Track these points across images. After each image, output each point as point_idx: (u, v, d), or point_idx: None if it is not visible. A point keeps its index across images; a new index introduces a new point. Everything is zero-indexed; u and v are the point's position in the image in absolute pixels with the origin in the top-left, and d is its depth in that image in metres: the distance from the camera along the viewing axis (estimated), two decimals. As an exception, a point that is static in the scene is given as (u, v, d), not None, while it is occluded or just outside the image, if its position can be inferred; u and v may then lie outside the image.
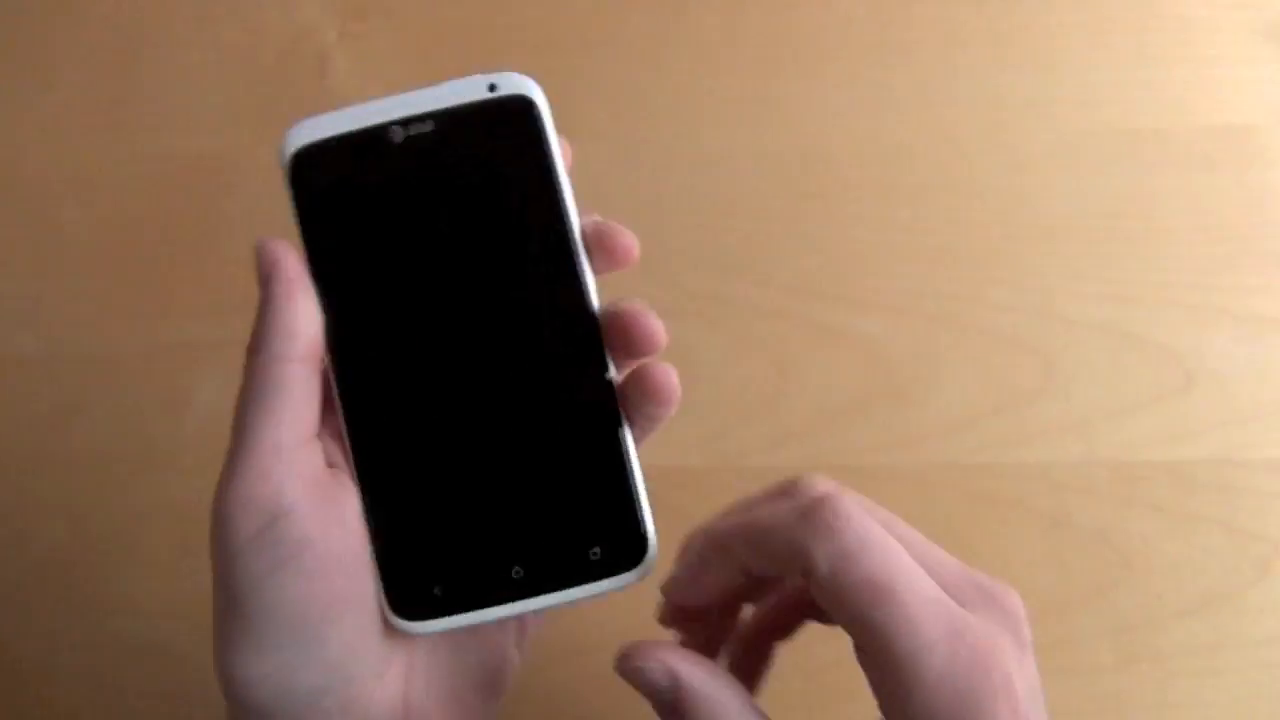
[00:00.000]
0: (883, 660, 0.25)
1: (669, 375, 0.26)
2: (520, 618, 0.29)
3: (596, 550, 0.26)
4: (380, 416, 0.27)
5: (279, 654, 0.26)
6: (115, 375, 0.45)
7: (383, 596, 0.26)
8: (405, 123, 0.27)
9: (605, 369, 0.27)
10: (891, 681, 0.25)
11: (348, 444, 0.27)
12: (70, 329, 0.46)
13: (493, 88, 0.27)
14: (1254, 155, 0.46)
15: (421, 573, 0.26)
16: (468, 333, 0.27)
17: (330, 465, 0.27)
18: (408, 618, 0.26)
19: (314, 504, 0.26)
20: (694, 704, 0.26)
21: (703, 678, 0.27)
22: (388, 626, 0.27)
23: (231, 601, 0.26)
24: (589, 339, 0.27)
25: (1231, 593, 0.40)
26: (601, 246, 0.27)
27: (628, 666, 0.27)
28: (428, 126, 0.27)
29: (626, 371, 0.27)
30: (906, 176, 0.46)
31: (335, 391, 0.27)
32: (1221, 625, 0.40)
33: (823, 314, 0.44)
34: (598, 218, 0.28)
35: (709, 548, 0.29)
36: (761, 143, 0.48)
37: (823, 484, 0.29)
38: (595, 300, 0.27)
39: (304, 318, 0.26)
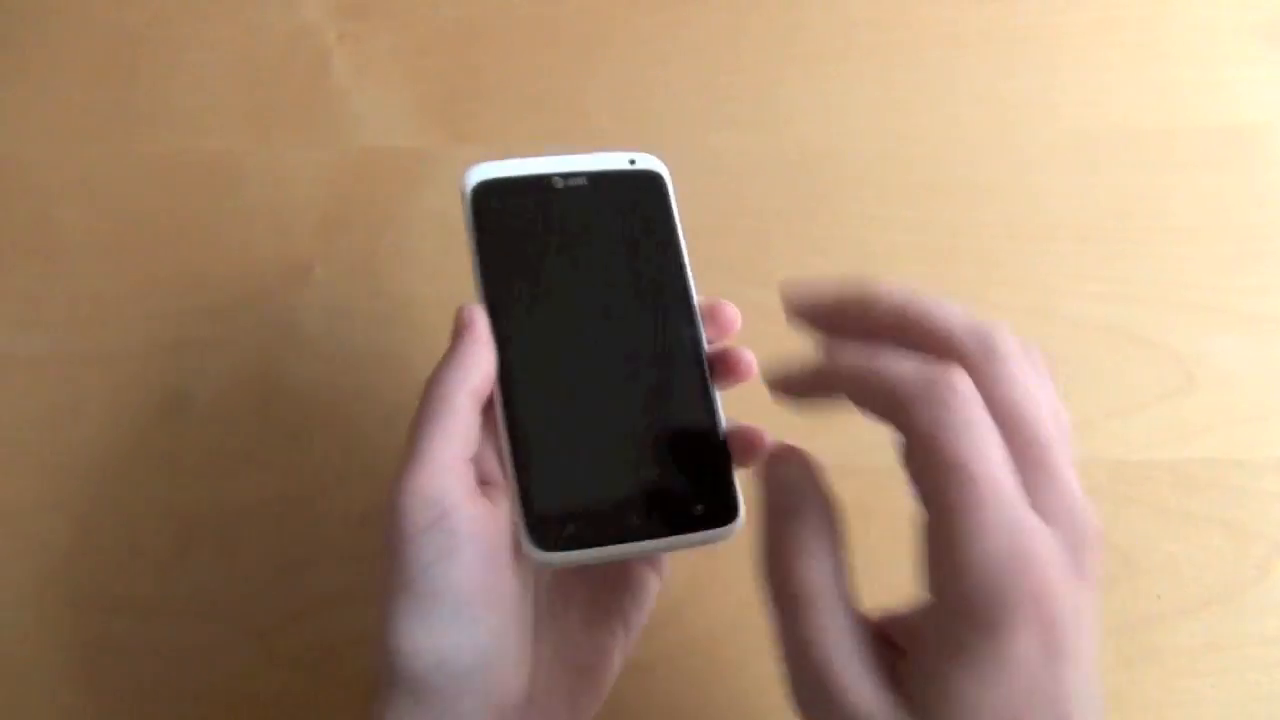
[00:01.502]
0: (937, 534, 0.27)
1: (746, 353, 0.34)
2: (630, 599, 0.35)
3: (700, 507, 0.32)
4: (532, 400, 0.32)
5: (441, 631, 0.30)
6: (115, 375, 0.45)
7: (525, 530, 0.31)
8: (565, 176, 0.35)
9: (707, 376, 0.34)
10: (938, 554, 0.27)
11: (502, 419, 0.32)
12: (70, 329, 0.46)
13: (632, 161, 0.36)
14: (1256, 155, 0.46)
15: (560, 514, 0.31)
16: (606, 342, 0.33)
17: (483, 482, 0.32)
18: (544, 548, 0.31)
19: (474, 508, 0.30)
20: (801, 516, 0.30)
21: (823, 498, 0.30)
22: (520, 558, 0.32)
23: (403, 582, 0.30)
24: (697, 356, 0.34)
25: (1231, 593, 0.40)
26: (712, 317, 0.34)
27: (769, 460, 0.31)
28: (583, 181, 0.35)
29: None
30: (909, 176, 0.46)
31: (496, 376, 0.32)
32: (1221, 625, 0.40)
33: (823, 314, 0.44)
34: (707, 297, 0.35)
35: (829, 365, 0.31)
36: (763, 143, 0.48)
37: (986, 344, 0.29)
38: (701, 328, 0.35)
39: (482, 366, 0.32)
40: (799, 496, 0.30)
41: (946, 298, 0.30)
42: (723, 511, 0.32)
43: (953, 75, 0.48)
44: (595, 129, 0.48)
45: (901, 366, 0.28)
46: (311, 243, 0.46)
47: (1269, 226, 0.45)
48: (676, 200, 0.36)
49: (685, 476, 0.32)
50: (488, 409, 0.32)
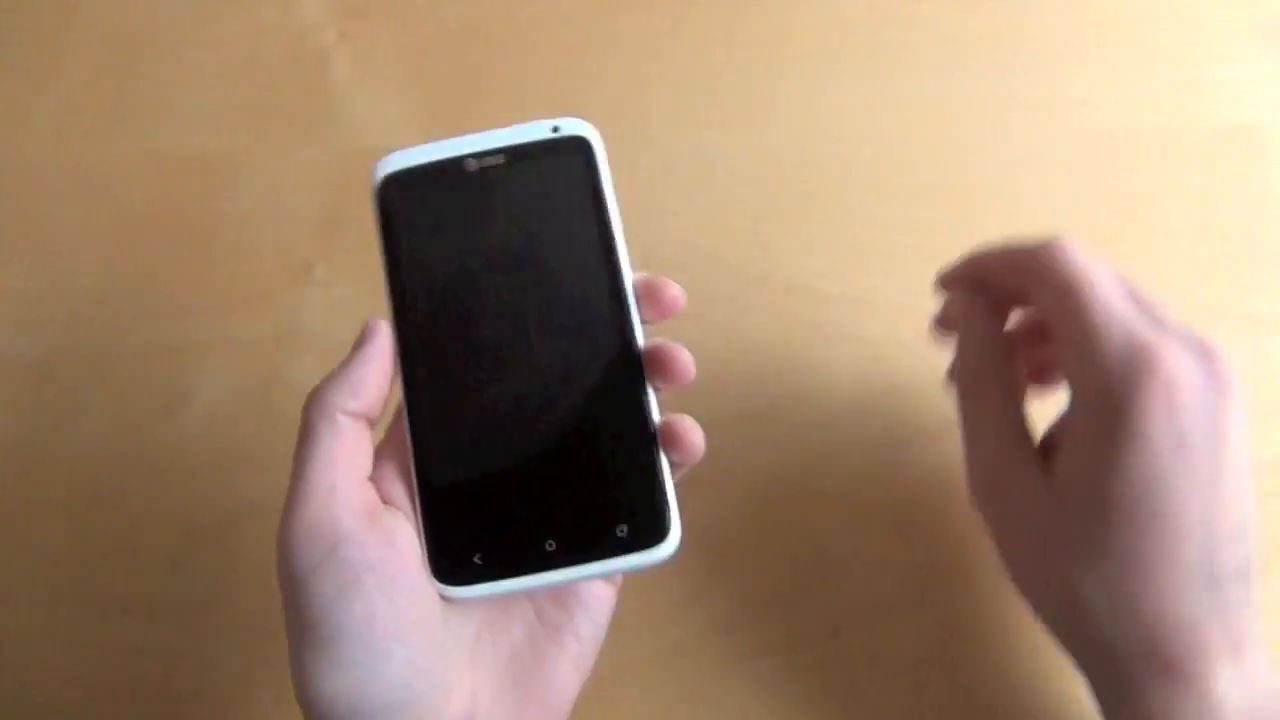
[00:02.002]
0: (1066, 337, 0.31)
1: (683, 353, 0.30)
2: (568, 609, 0.32)
3: (623, 528, 0.29)
4: (436, 408, 0.30)
5: (352, 671, 0.28)
6: (115, 375, 0.45)
7: (428, 564, 0.29)
8: (479, 156, 0.31)
9: (639, 373, 0.30)
10: (1068, 358, 0.31)
11: (407, 432, 0.30)
12: (70, 329, 0.46)
13: (556, 129, 0.32)
14: (1255, 155, 0.46)
15: (464, 543, 0.29)
16: (521, 338, 0.30)
17: (385, 503, 0.30)
18: (450, 583, 0.29)
19: (370, 533, 0.28)
20: (970, 322, 0.35)
21: (987, 311, 0.35)
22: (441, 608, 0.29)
23: (303, 626, 0.28)
24: (627, 347, 0.30)
25: (1232, 593, 0.40)
26: (650, 297, 0.31)
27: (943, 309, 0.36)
28: (499, 159, 0.31)
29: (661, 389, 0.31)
30: (907, 176, 0.46)
31: (401, 382, 0.30)
32: (1222, 625, 0.39)
33: (823, 314, 0.44)
34: (646, 274, 0.31)
35: (974, 259, 0.36)
36: (761, 143, 0.48)
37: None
38: (636, 317, 0.31)
39: (373, 384, 0.30)
40: (972, 311, 0.35)
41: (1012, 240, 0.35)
42: (650, 531, 0.29)
43: (951, 75, 0.48)
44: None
45: (1027, 240, 0.34)
46: (311, 243, 0.46)
47: (1269, 226, 0.45)
48: (608, 167, 0.32)
49: (608, 492, 0.29)
50: (397, 423, 0.31)
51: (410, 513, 0.30)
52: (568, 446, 0.30)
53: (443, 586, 0.29)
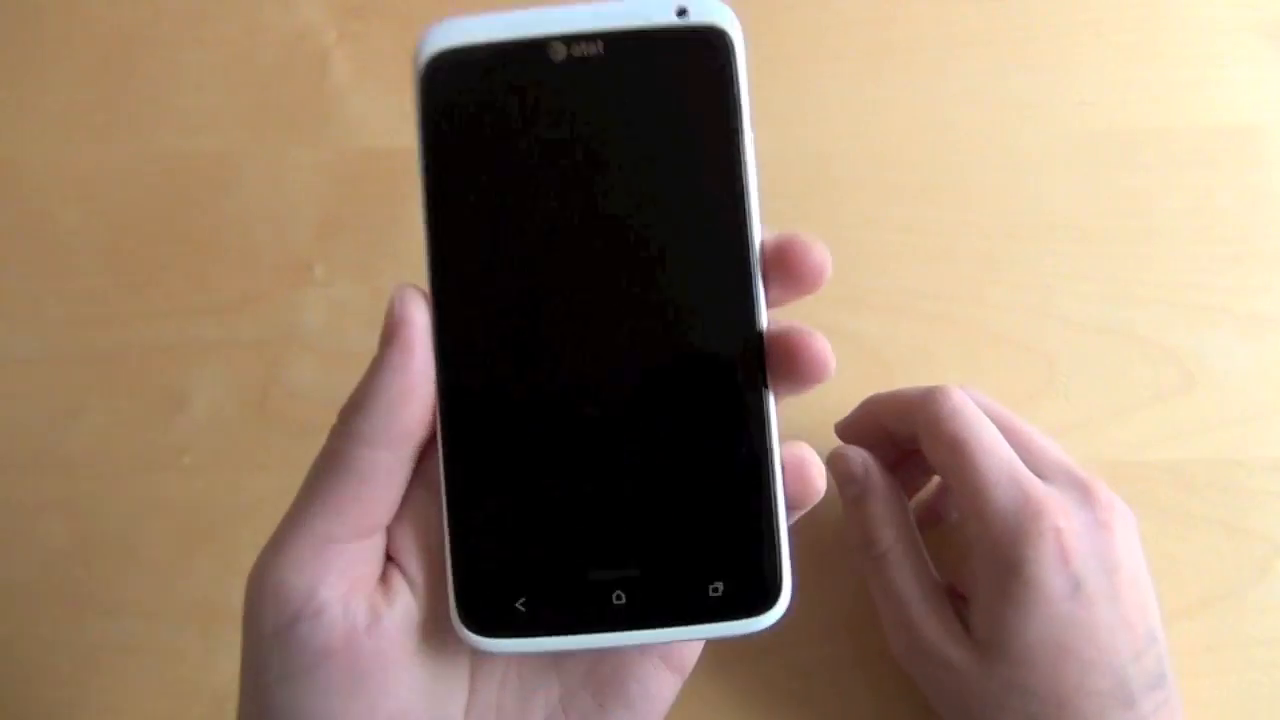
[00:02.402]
0: (958, 498, 0.34)
1: (819, 342, 0.24)
2: (612, 672, 0.25)
3: (717, 586, 0.22)
4: (479, 402, 0.23)
5: None
6: (115, 375, 0.45)
7: (452, 599, 0.22)
8: (570, 39, 0.22)
9: (760, 376, 0.23)
10: (963, 513, 0.34)
11: (440, 430, 0.23)
12: (70, 329, 0.46)
13: (682, 12, 0.23)
14: (1254, 155, 0.46)
15: (505, 583, 0.22)
16: (604, 312, 0.23)
17: (390, 559, 0.24)
18: (481, 633, 0.22)
19: (349, 609, 0.22)
20: (872, 494, 0.35)
21: (887, 479, 0.36)
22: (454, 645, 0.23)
23: (246, 691, 0.23)
24: (747, 336, 0.23)
25: (1231, 593, 0.40)
26: (784, 264, 0.24)
27: (832, 455, 0.37)
28: (596, 48, 0.22)
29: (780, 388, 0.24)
30: (906, 176, 0.46)
31: (439, 384, 0.23)
32: (1221, 625, 0.40)
33: (823, 314, 0.44)
34: (780, 233, 0.24)
35: (866, 409, 0.39)
36: (761, 143, 0.47)
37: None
38: (762, 293, 0.23)
39: (413, 404, 0.23)
40: (871, 479, 0.36)
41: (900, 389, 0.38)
42: (753, 593, 0.22)
43: (950, 75, 0.48)
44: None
45: (912, 390, 0.37)
46: (311, 243, 0.46)
47: (1268, 226, 0.45)
48: (748, 74, 0.24)
49: (703, 536, 0.22)
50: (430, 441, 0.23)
51: (419, 560, 0.23)
52: (655, 469, 0.22)
53: (472, 637, 0.22)
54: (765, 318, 0.23)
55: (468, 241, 0.23)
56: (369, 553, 0.23)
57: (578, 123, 0.23)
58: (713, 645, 0.39)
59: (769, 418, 0.23)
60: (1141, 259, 0.45)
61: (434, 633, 0.24)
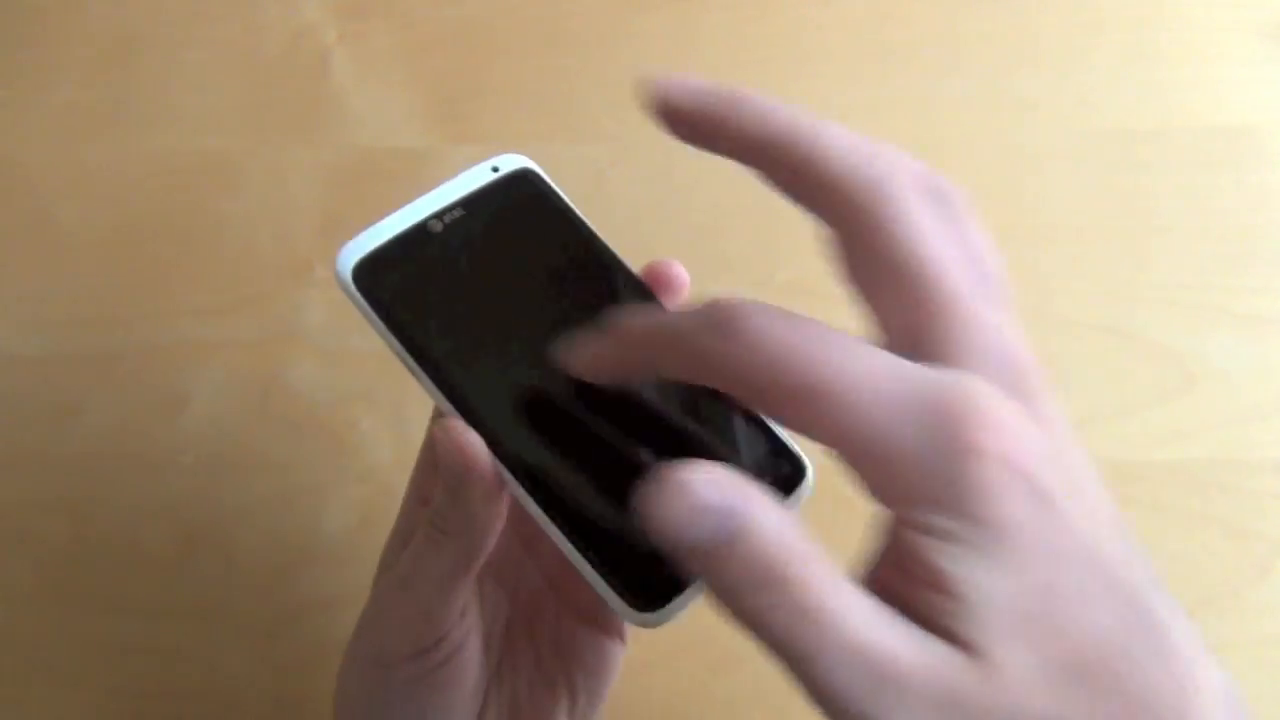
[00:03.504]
0: (853, 462, 0.22)
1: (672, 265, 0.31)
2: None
3: (769, 479, 0.28)
4: (548, 466, 0.28)
5: None
6: (115, 375, 0.44)
7: (624, 608, 0.27)
8: (437, 215, 0.31)
9: None
10: (870, 477, 0.22)
11: (534, 507, 0.28)
12: (70, 329, 0.46)
13: (495, 169, 0.31)
14: (1254, 155, 0.46)
15: (648, 565, 0.27)
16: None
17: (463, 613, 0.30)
18: (655, 609, 0.27)
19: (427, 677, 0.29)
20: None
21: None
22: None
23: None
24: None
25: (1231, 593, 0.40)
26: (657, 281, 0.30)
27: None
28: (458, 213, 0.31)
29: None
30: (906, 176, 0.46)
31: (504, 465, 0.28)
32: (1221, 625, 0.40)
33: (823, 314, 0.44)
34: (647, 262, 0.31)
35: (618, 341, 0.26)
36: (761, 143, 0.48)
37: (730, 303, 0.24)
38: (657, 300, 0.31)
39: (491, 531, 0.28)
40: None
41: (837, 125, 0.26)
42: (790, 473, 0.29)
43: (950, 75, 0.48)
44: (595, 129, 0.48)
45: (683, 323, 0.24)
46: (311, 243, 0.46)
47: (1267, 226, 0.45)
48: (559, 186, 0.32)
49: (735, 456, 0.29)
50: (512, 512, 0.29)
51: (576, 577, 0.27)
52: (677, 428, 0.29)
53: (650, 616, 0.27)
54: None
55: (459, 366, 0.29)
56: (455, 615, 0.29)
57: (477, 259, 0.31)
58: (715, 642, 0.39)
59: None
60: (1141, 259, 0.45)
61: (478, 638, 0.30)
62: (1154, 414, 0.42)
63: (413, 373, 0.29)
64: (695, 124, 0.28)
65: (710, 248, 0.46)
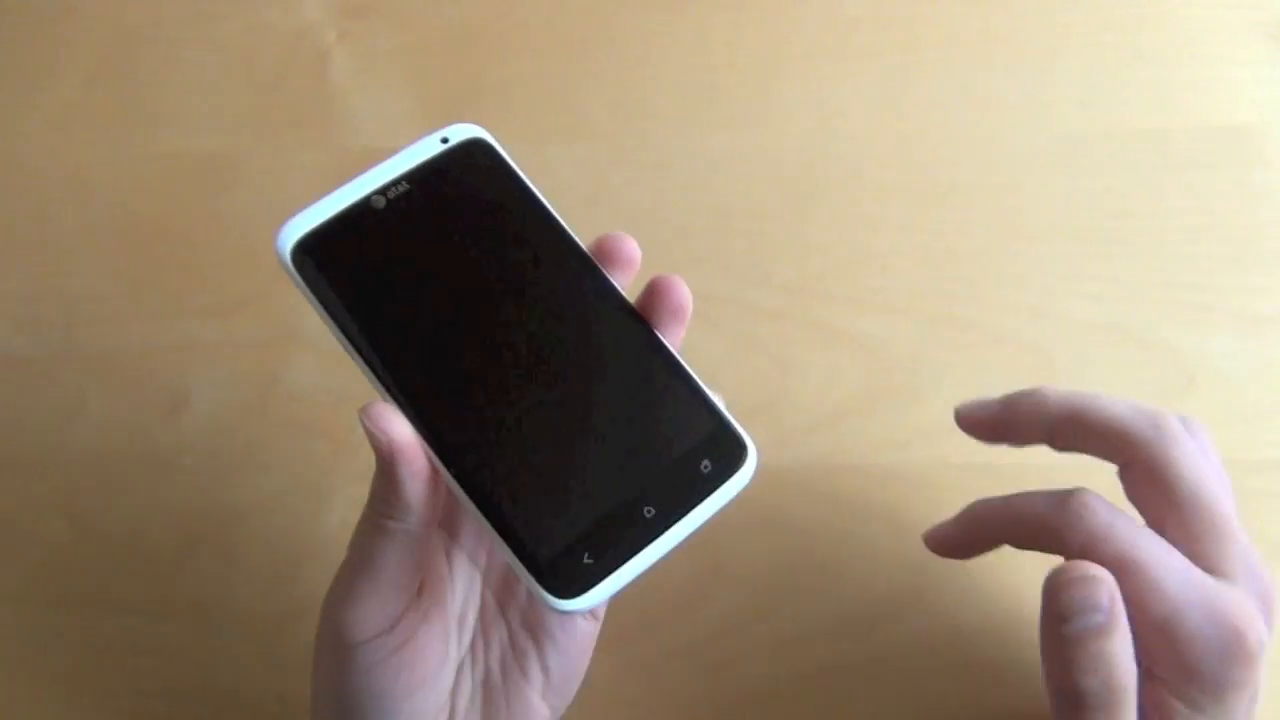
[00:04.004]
0: (1140, 627, 0.29)
1: (677, 282, 0.30)
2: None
3: (706, 463, 0.28)
4: (477, 444, 0.28)
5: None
6: (115, 375, 0.45)
7: (541, 592, 0.27)
8: (382, 190, 0.30)
9: (642, 322, 0.29)
10: (1152, 643, 0.29)
11: (456, 486, 0.28)
12: (70, 329, 0.46)
13: (445, 140, 0.31)
14: (1254, 155, 0.46)
15: (568, 550, 0.27)
16: (521, 342, 0.29)
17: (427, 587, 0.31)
18: (571, 596, 0.26)
19: (397, 632, 0.30)
20: (1118, 630, 0.29)
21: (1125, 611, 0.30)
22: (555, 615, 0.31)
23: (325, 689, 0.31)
24: (619, 307, 0.30)
25: (1231, 593, 0.40)
26: (607, 256, 0.30)
27: (1069, 578, 0.29)
28: (404, 187, 0.30)
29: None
30: (906, 176, 0.46)
31: (427, 441, 0.28)
32: (1221, 625, 0.40)
33: (823, 314, 0.44)
34: (598, 236, 0.30)
35: (973, 524, 0.34)
36: (761, 143, 0.48)
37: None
38: (608, 278, 0.30)
39: (414, 497, 0.28)
40: (1116, 611, 0.29)
41: (1109, 394, 0.33)
42: (731, 454, 0.28)
43: (950, 75, 0.48)
44: (595, 129, 0.48)
45: (1035, 501, 0.32)
46: (311, 243, 0.46)
47: (1267, 226, 0.45)
48: (513, 158, 0.31)
49: (675, 436, 0.28)
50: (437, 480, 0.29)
51: (497, 557, 0.30)
52: (616, 412, 0.29)
53: (565, 603, 0.26)
54: (622, 290, 0.30)
55: (398, 347, 0.28)
56: (410, 594, 0.30)
57: (419, 236, 0.30)
58: (715, 642, 0.39)
59: (665, 346, 0.29)
60: (1142, 259, 0.45)
61: (443, 618, 0.31)
62: (1154, 414, 0.42)
63: (349, 354, 0.28)
64: (992, 432, 0.35)
65: (710, 248, 0.46)
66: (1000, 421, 0.35)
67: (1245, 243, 0.45)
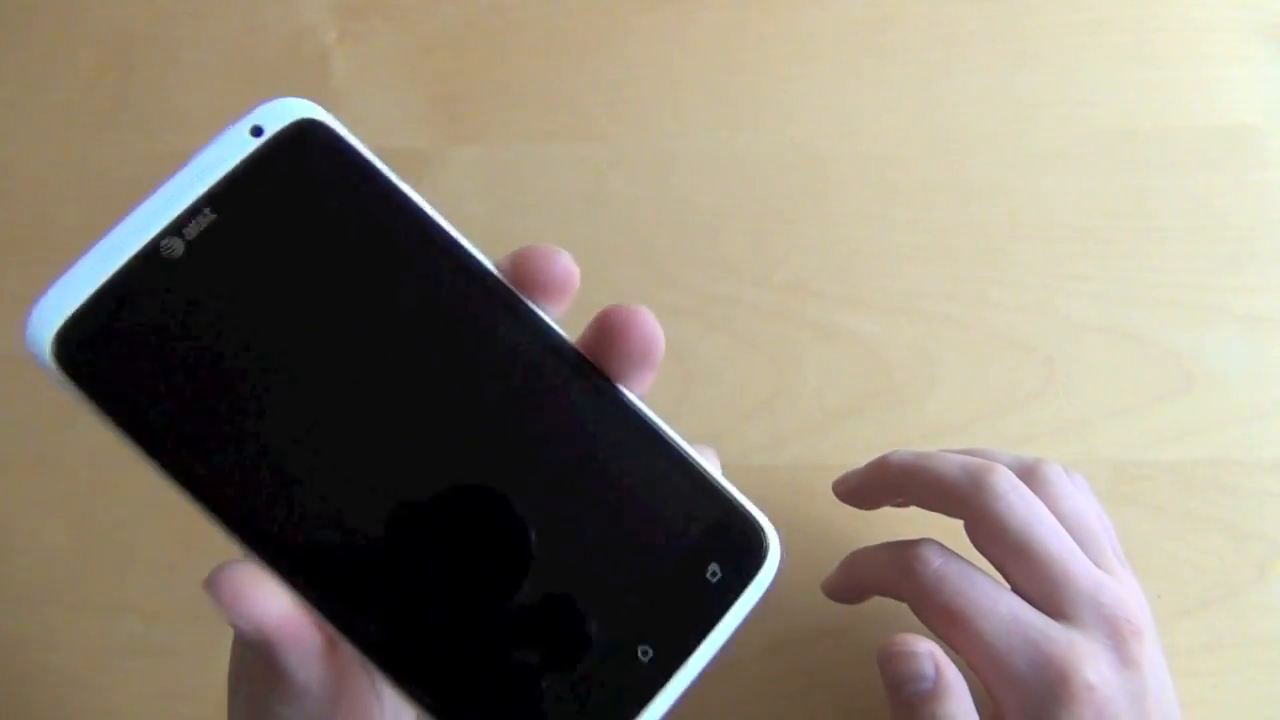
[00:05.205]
0: (974, 669, 0.31)
1: (638, 314, 0.21)
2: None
3: (714, 569, 0.21)
4: (373, 578, 0.19)
5: None
6: (115, 375, 0.44)
7: None
8: (172, 230, 0.20)
9: (589, 365, 0.21)
10: (984, 684, 0.30)
11: (355, 649, 0.20)
12: (70, 329, 0.46)
13: (257, 131, 0.22)
14: (1254, 155, 0.46)
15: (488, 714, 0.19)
16: (414, 413, 0.20)
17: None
18: None
19: None
20: (947, 693, 0.31)
21: (956, 673, 0.31)
22: None
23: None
24: (559, 349, 0.21)
25: (1231, 593, 0.40)
26: (527, 277, 0.22)
27: (891, 652, 0.32)
28: (206, 218, 0.20)
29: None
30: (906, 176, 0.46)
31: (299, 589, 0.19)
32: (1221, 625, 0.40)
33: (823, 314, 0.44)
34: (513, 251, 0.22)
35: (849, 574, 0.36)
36: (761, 143, 0.48)
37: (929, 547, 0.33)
38: (537, 310, 0.21)
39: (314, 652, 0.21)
40: (944, 678, 0.31)
41: (944, 455, 0.34)
42: (746, 548, 0.21)
43: (950, 75, 0.48)
44: (595, 129, 0.48)
45: (880, 555, 0.34)
46: (311, 243, 0.46)
47: (1266, 226, 0.45)
48: (359, 140, 0.22)
49: (665, 545, 0.20)
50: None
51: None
52: (573, 518, 0.20)
53: None
54: (559, 329, 0.21)
55: (243, 463, 0.19)
56: None
57: (247, 287, 0.20)
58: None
59: (629, 401, 0.21)
60: (1141, 259, 0.45)
61: None
62: (1154, 414, 0.42)
63: (174, 489, 0.20)
64: (863, 500, 0.37)
65: (710, 248, 0.46)
66: (863, 488, 0.37)
67: (1245, 243, 0.45)
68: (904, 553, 0.33)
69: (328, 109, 0.23)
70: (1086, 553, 0.32)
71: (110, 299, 0.19)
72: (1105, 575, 0.32)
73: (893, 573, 0.33)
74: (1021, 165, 0.46)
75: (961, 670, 0.32)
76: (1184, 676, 0.38)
